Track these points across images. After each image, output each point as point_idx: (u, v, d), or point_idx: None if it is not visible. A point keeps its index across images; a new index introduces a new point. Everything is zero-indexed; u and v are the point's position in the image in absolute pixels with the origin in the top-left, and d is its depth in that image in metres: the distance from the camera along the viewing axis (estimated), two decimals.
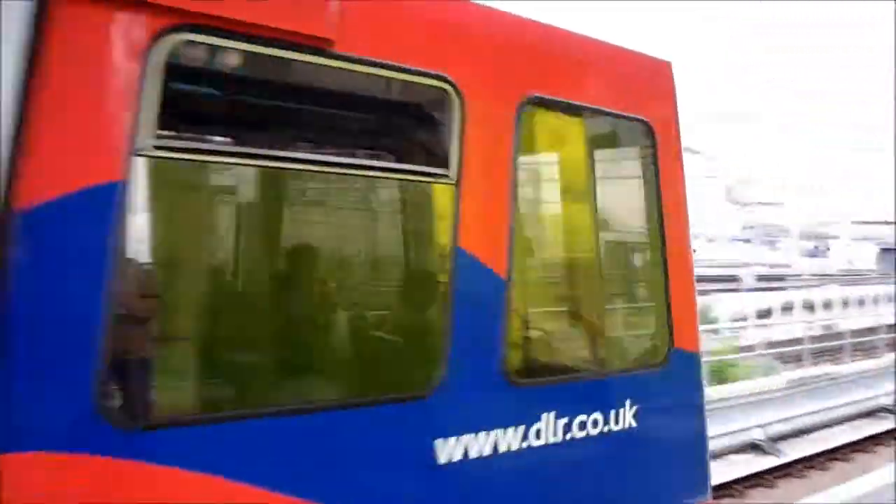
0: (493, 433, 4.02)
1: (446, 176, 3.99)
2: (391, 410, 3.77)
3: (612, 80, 4.92)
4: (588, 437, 4.45)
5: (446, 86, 3.94)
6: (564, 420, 4.34)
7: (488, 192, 4.13)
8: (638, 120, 4.98)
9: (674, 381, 5.06)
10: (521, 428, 4.15)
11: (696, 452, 5.25)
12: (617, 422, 4.61)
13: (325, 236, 5.72)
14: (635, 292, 5.89)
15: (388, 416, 3.74)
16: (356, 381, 4.79)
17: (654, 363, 5.08)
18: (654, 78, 5.11)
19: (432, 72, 3.89)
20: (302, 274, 5.05)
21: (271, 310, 4.95)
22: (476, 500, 4.05)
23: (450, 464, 3.86)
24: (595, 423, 4.50)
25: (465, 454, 3.92)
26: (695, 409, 5.19)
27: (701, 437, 5.24)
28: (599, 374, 4.92)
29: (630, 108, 4.93)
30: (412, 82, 3.95)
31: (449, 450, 3.86)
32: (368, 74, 3.78)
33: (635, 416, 4.69)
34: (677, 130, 5.15)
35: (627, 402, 4.67)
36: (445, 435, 3.85)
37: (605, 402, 4.59)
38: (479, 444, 3.97)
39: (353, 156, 4.66)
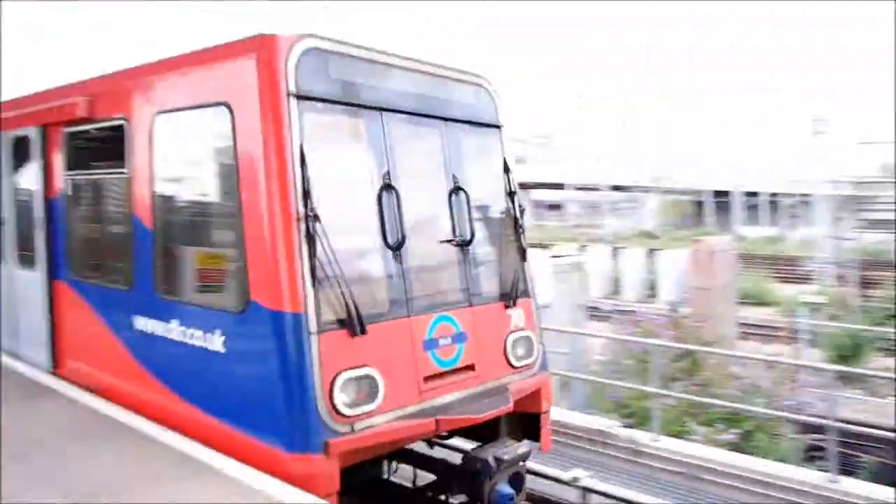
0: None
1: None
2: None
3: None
4: (194, 343, 6.41)
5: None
6: (183, 327, 6.59)
7: None
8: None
9: (251, 331, 5.93)
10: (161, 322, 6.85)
11: (277, 407, 5.71)
12: (210, 343, 6.26)
13: None
14: (210, 238, 6.72)
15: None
16: None
17: (236, 309, 6.06)
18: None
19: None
20: None
21: None
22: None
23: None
24: (195, 336, 6.43)
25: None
26: (268, 369, 5.76)
27: (284, 395, 5.69)
28: (201, 303, 6.49)
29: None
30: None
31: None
32: None
33: (224, 344, 6.15)
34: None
35: (217, 331, 6.19)
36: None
37: (204, 324, 6.33)
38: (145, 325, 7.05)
39: None
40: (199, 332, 6.36)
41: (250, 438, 5.91)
